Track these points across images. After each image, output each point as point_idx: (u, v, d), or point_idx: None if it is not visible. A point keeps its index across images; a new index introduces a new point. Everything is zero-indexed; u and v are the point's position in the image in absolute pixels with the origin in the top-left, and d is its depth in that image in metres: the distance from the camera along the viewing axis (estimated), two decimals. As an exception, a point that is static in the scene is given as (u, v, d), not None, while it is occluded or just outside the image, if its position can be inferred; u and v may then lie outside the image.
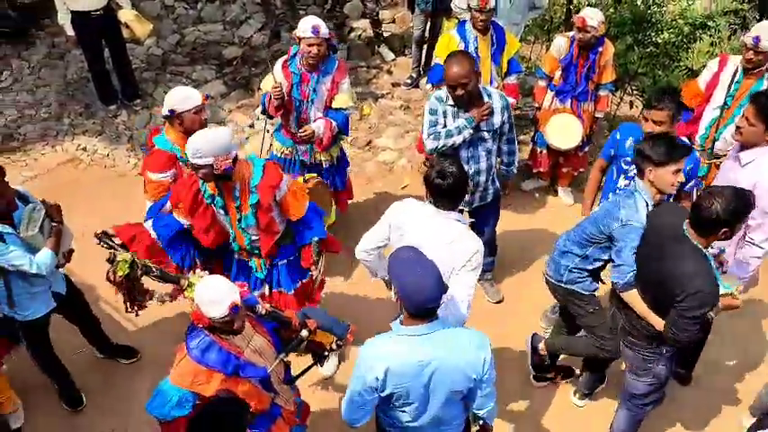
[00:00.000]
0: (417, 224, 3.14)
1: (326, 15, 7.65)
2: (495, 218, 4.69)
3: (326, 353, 3.22)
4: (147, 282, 3.39)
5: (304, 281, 3.95)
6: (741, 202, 2.96)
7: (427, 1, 6.45)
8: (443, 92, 4.09)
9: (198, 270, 3.11)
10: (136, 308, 3.44)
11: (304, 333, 3.03)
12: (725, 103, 4.59)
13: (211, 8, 7.81)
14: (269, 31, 7.42)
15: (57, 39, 7.46)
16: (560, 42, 5.29)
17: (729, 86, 4.58)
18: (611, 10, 10.89)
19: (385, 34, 7.42)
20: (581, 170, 5.83)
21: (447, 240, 3.06)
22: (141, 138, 6.38)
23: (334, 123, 4.56)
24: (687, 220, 3.08)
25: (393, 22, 7.71)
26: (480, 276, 4.85)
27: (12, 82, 7.12)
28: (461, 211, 4.48)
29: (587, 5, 11.99)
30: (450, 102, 4.03)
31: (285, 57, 4.53)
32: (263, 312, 2.95)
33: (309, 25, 4.23)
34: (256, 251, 3.76)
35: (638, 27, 9.17)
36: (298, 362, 3.49)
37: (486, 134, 4.13)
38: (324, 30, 4.28)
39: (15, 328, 3.76)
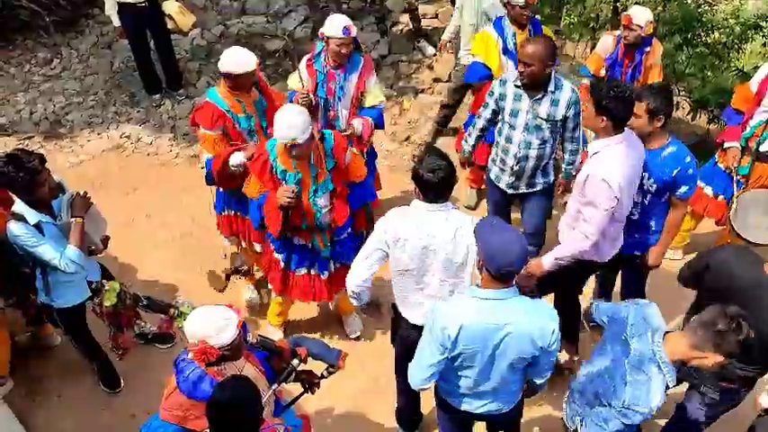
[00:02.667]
0: (416, 228, 3.06)
1: (368, 9, 7.64)
2: (543, 210, 4.65)
3: (317, 381, 3.20)
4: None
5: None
6: None
7: None
8: (512, 74, 4.18)
9: (181, 299, 3.06)
10: (121, 350, 3.38)
11: (295, 362, 3.01)
12: None
13: (255, 0, 7.86)
14: (312, 24, 7.45)
15: (105, 28, 7.62)
16: (607, 41, 5.19)
17: None
18: (660, 8, 10.65)
19: (427, 29, 7.37)
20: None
21: (451, 234, 3.03)
22: (184, 127, 6.50)
23: (371, 120, 4.57)
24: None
25: (436, 17, 7.66)
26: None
27: (61, 70, 7.31)
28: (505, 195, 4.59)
29: (635, 3, 11.78)
30: (517, 83, 4.08)
31: (310, 55, 4.50)
32: (254, 341, 2.90)
33: (341, 26, 4.21)
34: (322, 226, 3.85)
35: (688, 26, 8.94)
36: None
37: (543, 123, 4.13)
38: (354, 30, 4.27)
39: (52, 312, 3.85)
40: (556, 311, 2.77)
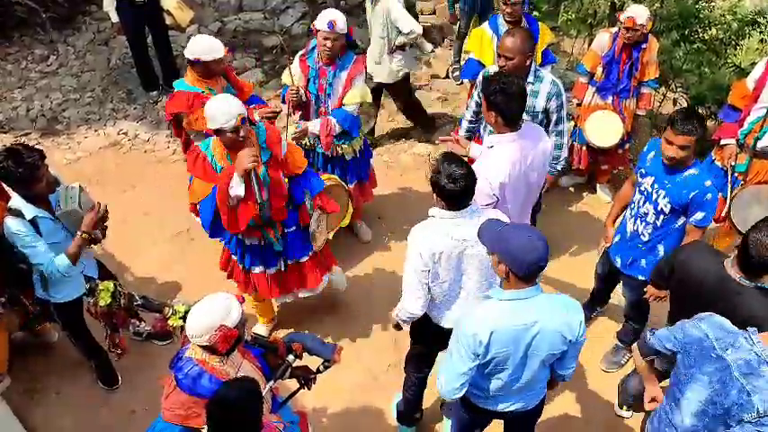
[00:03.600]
0: (448, 238, 3.00)
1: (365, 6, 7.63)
2: (538, 201, 4.66)
3: (313, 376, 3.19)
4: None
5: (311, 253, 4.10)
6: None
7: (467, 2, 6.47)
8: (492, 67, 4.19)
9: (176, 299, 3.03)
10: (119, 351, 3.37)
11: (290, 358, 3.00)
12: None
13: (252, -4, 7.87)
14: (309, 21, 7.44)
15: (102, 25, 7.62)
16: (603, 38, 5.20)
17: None
18: (657, 5, 10.66)
19: (424, 26, 7.36)
20: (620, 168, 5.73)
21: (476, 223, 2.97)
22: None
23: (333, 122, 4.45)
24: (733, 261, 2.91)
25: (433, 13, 7.66)
26: None
27: (58, 66, 7.30)
28: None
29: (632, 2, 11.79)
30: None
31: (304, 50, 4.50)
32: (249, 338, 2.89)
33: (326, 19, 4.20)
34: (269, 218, 3.75)
35: (685, 23, 8.95)
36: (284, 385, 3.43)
37: (524, 115, 4.09)
38: (340, 25, 4.22)
39: (49, 308, 3.85)
40: (578, 303, 2.76)
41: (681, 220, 3.60)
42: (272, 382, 2.92)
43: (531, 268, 2.55)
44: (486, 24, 4.98)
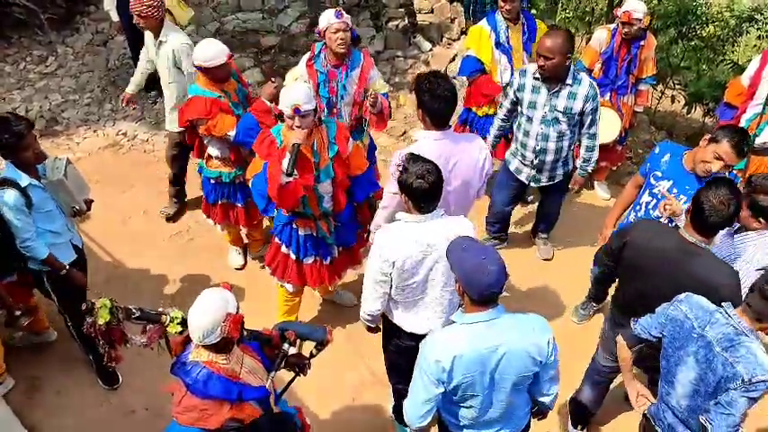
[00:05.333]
0: (414, 243, 3.00)
1: (364, 5, 7.65)
2: (561, 198, 4.95)
3: (306, 362, 3.22)
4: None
5: (360, 232, 4.22)
6: (736, 189, 2.94)
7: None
8: (532, 65, 4.23)
9: (171, 308, 3.05)
10: (114, 362, 3.40)
11: (286, 346, 3.02)
12: (767, 99, 4.49)
13: (251, -4, 7.86)
14: (307, 20, 7.44)
15: (100, 26, 7.62)
16: (601, 35, 5.21)
17: None
18: (655, 2, 10.66)
19: (422, 24, 7.38)
20: (618, 164, 5.74)
21: (444, 230, 3.00)
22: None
23: (387, 101, 4.48)
24: (685, 227, 3.02)
25: (431, 12, 7.66)
26: (536, 236, 5.21)
27: (56, 67, 7.30)
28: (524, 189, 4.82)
29: (631, -2, 11.78)
30: (536, 75, 4.14)
31: (309, 55, 4.42)
32: (245, 333, 2.88)
33: (331, 12, 4.18)
34: (326, 211, 3.88)
35: (683, 20, 8.96)
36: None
37: (560, 116, 4.20)
38: (346, 15, 4.22)
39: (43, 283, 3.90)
40: (546, 322, 2.70)
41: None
42: (273, 374, 2.94)
43: (482, 293, 2.50)
44: (484, 21, 4.99)
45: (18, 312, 4.03)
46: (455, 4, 7.60)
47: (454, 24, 7.42)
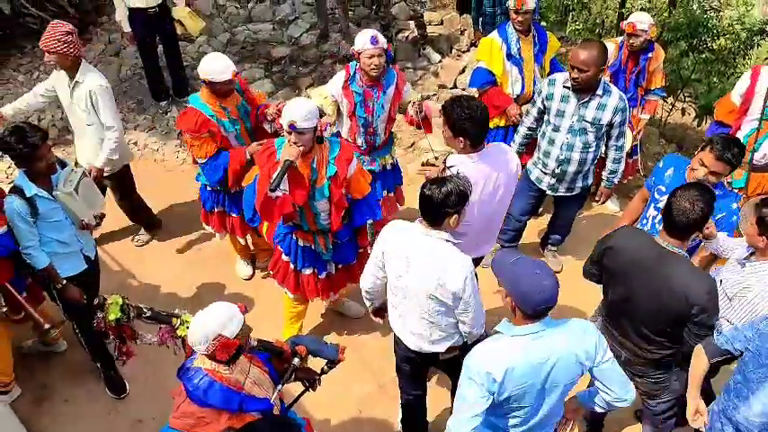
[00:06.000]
0: (402, 243, 3.05)
1: (374, 16, 7.68)
2: (577, 208, 4.93)
3: (317, 378, 3.23)
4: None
5: (360, 252, 4.21)
6: (710, 193, 2.94)
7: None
8: (562, 75, 4.26)
9: (179, 309, 3.06)
10: (124, 357, 3.43)
11: (296, 361, 3.03)
12: (763, 114, 4.47)
13: (262, 8, 7.92)
14: (318, 32, 7.49)
15: (113, 36, 7.67)
16: (609, 48, 5.19)
17: (767, 97, 4.46)
18: (666, 14, 10.66)
19: (432, 36, 7.40)
20: (629, 178, 5.71)
21: (433, 256, 2.97)
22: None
23: (429, 103, 4.46)
24: (661, 233, 3.02)
25: (441, 23, 7.68)
26: (545, 248, 5.21)
27: (69, 77, 7.35)
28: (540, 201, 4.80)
29: (640, 9, 11.81)
30: (566, 84, 4.15)
31: (345, 77, 4.37)
32: (254, 344, 2.89)
33: (368, 36, 4.16)
34: (324, 228, 3.88)
35: (694, 32, 8.95)
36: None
37: (588, 126, 4.21)
38: (382, 39, 4.20)
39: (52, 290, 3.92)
40: (587, 323, 2.70)
41: (697, 239, 3.58)
42: (280, 386, 2.93)
43: (538, 308, 2.50)
44: (495, 33, 5.00)
45: (48, 326, 4.06)
46: (465, 15, 7.62)
47: (464, 36, 7.44)
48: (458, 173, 3.04)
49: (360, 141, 4.54)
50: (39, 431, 4.10)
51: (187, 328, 2.84)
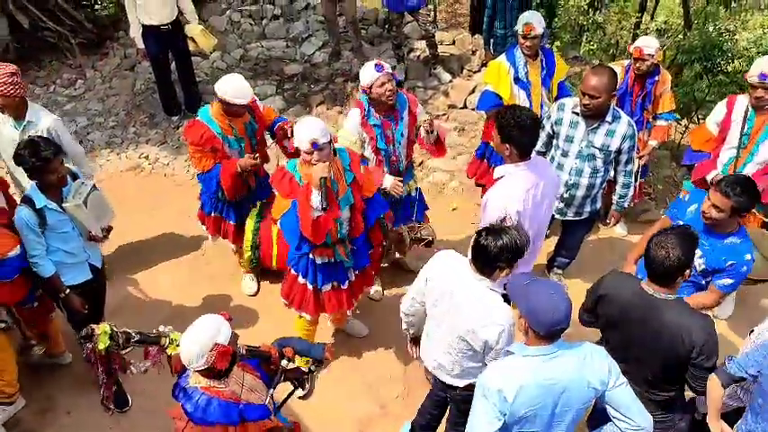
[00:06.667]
0: (450, 278, 3.05)
1: (386, 36, 7.74)
2: (585, 232, 4.91)
3: (305, 376, 3.29)
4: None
5: (371, 252, 4.29)
6: (690, 239, 2.88)
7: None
8: (571, 100, 4.27)
9: (163, 327, 3.07)
10: (110, 405, 3.47)
11: (284, 362, 3.09)
12: (741, 143, 4.49)
13: (276, 25, 8.00)
14: (330, 50, 7.55)
15: (129, 51, 7.80)
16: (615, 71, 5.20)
17: (743, 125, 4.48)
18: (681, 36, 10.63)
19: (443, 56, 7.43)
20: (635, 201, 5.67)
21: (477, 303, 2.95)
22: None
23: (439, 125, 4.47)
24: (645, 281, 2.97)
25: (453, 43, 7.72)
26: (550, 270, 5.17)
27: (84, 90, 7.48)
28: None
29: (656, 31, 11.79)
30: (575, 110, 4.17)
31: (359, 113, 4.28)
32: (244, 352, 2.94)
33: (371, 66, 4.13)
34: (344, 237, 3.91)
35: (708, 55, 8.92)
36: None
37: (597, 152, 4.22)
38: (386, 65, 4.16)
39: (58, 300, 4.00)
40: (600, 348, 2.69)
41: (706, 280, 3.59)
42: (272, 390, 2.99)
43: (551, 329, 2.51)
44: (503, 57, 5.01)
45: (33, 342, 4.15)
46: (476, 36, 7.65)
47: (475, 57, 7.46)
48: (517, 222, 3.10)
49: (385, 171, 4.49)
50: (41, 443, 4.13)
51: (177, 345, 2.86)
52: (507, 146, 3.41)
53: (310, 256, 3.95)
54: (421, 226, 4.62)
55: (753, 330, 3.42)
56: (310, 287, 4.09)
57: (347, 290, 4.18)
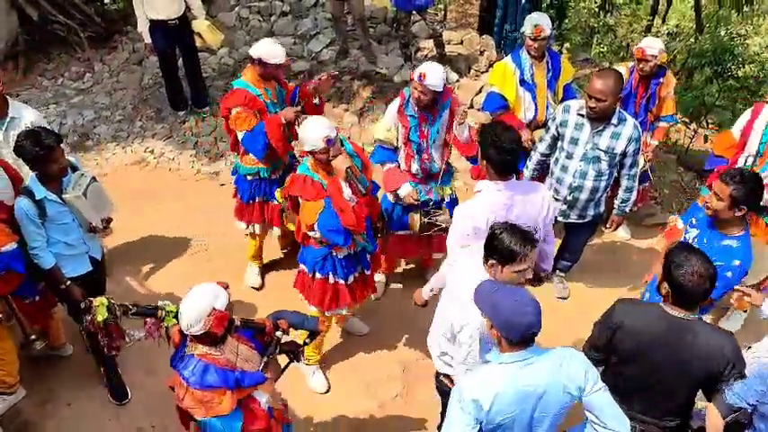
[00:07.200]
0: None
1: (394, 35, 7.72)
2: (588, 235, 4.90)
3: (300, 348, 3.42)
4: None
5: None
6: (709, 264, 2.77)
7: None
8: (576, 102, 4.28)
9: (161, 301, 3.14)
10: (114, 352, 3.51)
11: (278, 334, 3.19)
12: (758, 151, 4.44)
13: (284, 21, 8.00)
14: (338, 47, 7.54)
15: (137, 45, 7.81)
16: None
17: (763, 134, 4.43)
18: (692, 40, 10.56)
19: (451, 55, 7.41)
20: (639, 205, 5.64)
21: (465, 286, 2.91)
22: (206, 144, 6.64)
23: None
24: (666, 303, 2.88)
25: (461, 43, 7.69)
26: (553, 273, 5.10)
27: (92, 84, 7.51)
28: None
29: (667, 34, 11.73)
30: (581, 112, 4.16)
31: (401, 102, 4.31)
32: (239, 323, 3.02)
33: (418, 71, 4.10)
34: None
35: (719, 59, 8.86)
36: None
37: (602, 154, 4.21)
38: (430, 80, 4.06)
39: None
40: (576, 352, 2.66)
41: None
42: (265, 358, 3.11)
43: (522, 335, 2.48)
44: (509, 58, 4.99)
45: (33, 337, 4.17)
46: (485, 36, 7.62)
47: (482, 57, 7.43)
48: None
49: (415, 168, 4.46)
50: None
51: (174, 317, 2.97)
52: (484, 162, 3.41)
53: (333, 253, 3.96)
54: (438, 212, 4.55)
55: (750, 347, 3.37)
56: (342, 282, 4.10)
57: (369, 275, 4.26)
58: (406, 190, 4.39)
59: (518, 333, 2.48)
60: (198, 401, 2.78)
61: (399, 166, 4.48)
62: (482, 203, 3.42)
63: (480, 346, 2.93)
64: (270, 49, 4.33)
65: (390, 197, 4.61)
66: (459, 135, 4.27)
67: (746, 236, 3.44)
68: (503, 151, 3.32)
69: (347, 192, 3.66)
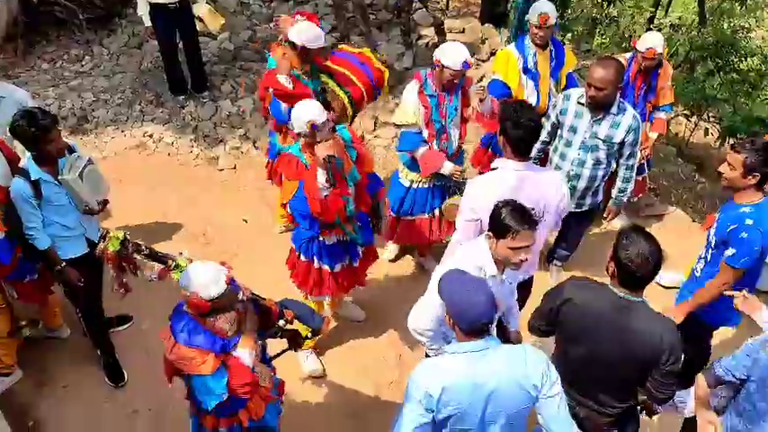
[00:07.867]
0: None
1: (395, 21, 7.68)
2: (586, 225, 4.92)
3: (301, 340, 3.45)
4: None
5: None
6: (656, 247, 2.75)
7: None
8: (577, 90, 4.28)
9: (184, 252, 3.17)
10: (123, 289, 3.56)
11: (281, 323, 3.21)
12: None
13: (285, 7, 7.93)
14: (338, 34, 7.50)
15: (137, 28, 7.74)
16: None
17: None
18: (694, 32, 10.52)
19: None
20: (639, 196, 5.63)
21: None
22: (206, 129, 6.60)
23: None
24: (613, 283, 2.87)
25: (462, 32, 7.65)
26: (550, 262, 5.15)
27: (92, 67, 7.46)
28: None
29: (670, 26, 11.67)
30: (581, 100, 4.15)
31: (418, 84, 4.36)
32: (245, 298, 3.05)
33: (460, 60, 4.14)
34: (352, 214, 3.93)
35: (721, 52, 8.84)
36: (273, 343, 3.53)
37: (600, 143, 4.22)
38: (466, 61, 4.19)
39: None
40: (537, 350, 2.63)
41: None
42: (261, 341, 3.17)
43: (471, 324, 2.48)
44: (512, 46, 4.97)
45: (23, 323, 4.17)
46: (487, 25, 7.59)
47: (484, 45, 7.40)
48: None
49: (435, 148, 4.49)
50: (37, 415, 4.16)
51: (180, 272, 2.96)
52: (502, 138, 3.44)
53: (320, 238, 3.97)
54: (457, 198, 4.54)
55: (750, 338, 3.37)
56: (326, 268, 4.11)
57: (358, 267, 4.24)
58: (449, 167, 4.40)
59: (467, 322, 2.48)
60: (182, 358, 2.84)
61: (431, 147, 4.47)
62: (493, 182, 3.45)
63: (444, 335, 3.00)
64: (311, 34, 4.33)
65: (419, 182, 4.65)
66: (483, 109, 4.32)
67: (764, 203, 3.38)
68: (519, 126, 3.35)
69: (321, 178, 3.60)
